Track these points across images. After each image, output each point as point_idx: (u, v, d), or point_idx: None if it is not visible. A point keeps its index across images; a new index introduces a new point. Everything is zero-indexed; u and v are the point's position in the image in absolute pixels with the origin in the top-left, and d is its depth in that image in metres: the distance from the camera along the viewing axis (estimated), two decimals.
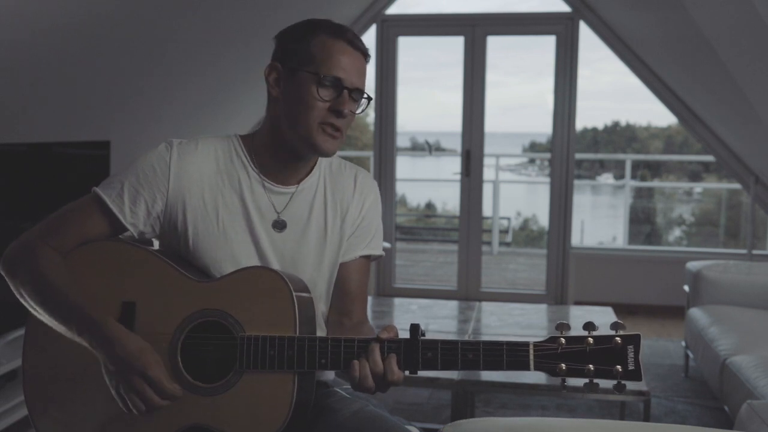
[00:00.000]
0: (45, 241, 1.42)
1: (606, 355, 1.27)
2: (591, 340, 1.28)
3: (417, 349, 1.31)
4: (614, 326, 1.28)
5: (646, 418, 2.60)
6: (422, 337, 1.32)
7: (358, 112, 1.47)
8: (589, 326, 1.28)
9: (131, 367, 1.32)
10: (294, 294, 1.36)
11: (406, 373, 1.33)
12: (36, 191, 3.04)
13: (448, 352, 1.30)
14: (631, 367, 1.26)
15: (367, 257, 1.60)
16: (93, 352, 1.35)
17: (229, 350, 1.36)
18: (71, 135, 3.36)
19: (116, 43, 3.11)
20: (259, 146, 1.51)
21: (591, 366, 1.27)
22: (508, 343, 1.29)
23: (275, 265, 1.49)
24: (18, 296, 1.42)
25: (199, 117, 4.43)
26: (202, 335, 1.39)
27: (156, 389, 1.32)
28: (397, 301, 4.00)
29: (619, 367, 1.26)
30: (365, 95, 1.48)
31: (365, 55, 1.47)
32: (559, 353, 1.28)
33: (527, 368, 1.28)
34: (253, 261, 1.48)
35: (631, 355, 1.26)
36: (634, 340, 1.27)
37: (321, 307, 1.55)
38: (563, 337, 1.28)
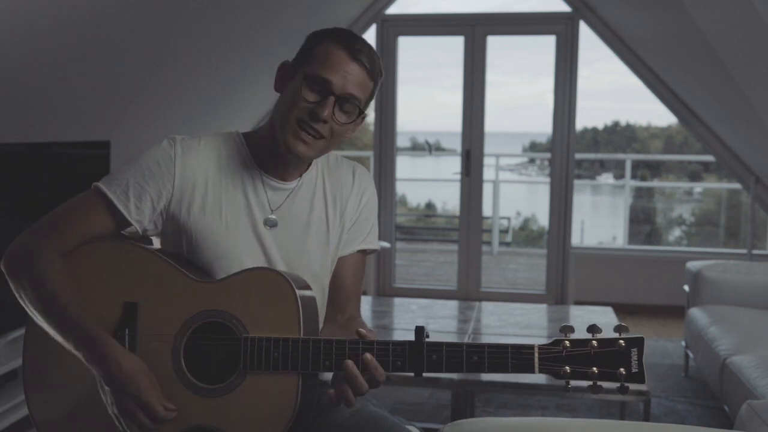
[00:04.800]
0: (47, 241, 1.40)
1: (610, 358, 1.28)
2: (595, 343, 1.29)
3: (422, 352, 1.32)
4: (618, 329, 1.29)
5: (646, 418, 2.60)
6: (427, 339, 1.32)
7: (343, 121, 1.43)
8: (593, 329, 1.29)
9: (125, 390, 1.30)
10: (297, 294, 1.36)
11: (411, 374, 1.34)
12: (36, 191, 3.04)
13: (453, 355, 1.31)
14: (634, 370, 1.27)
15: (363, 251, 1.61)
16: (89, 367, 1.33)
17: (232, 351, 1.36)
18: (71, 135, 3.36)
19: (116, 42, 3.11)
20: (260, 142, 1.51)
21: (595, 369, 1.28)
22: (513, 346, 1.30)
23: (279, 262, 1.49)
24: (18, 298, 1.40)
25: (199, 117, 4.43)
26: (206, 336, 1.38)
27: (149, 414, 1.31)
28: (397, 301, 4.00)
29: (622, 369, 1.28)
30: (359, 109, 1.44)
31: (367, 69, 1.43)
32: (564, 356, 1.29)
33: (532, 371, 1.29)
34: (257, 257, 1.48)
35: (634, 357, 1.28)
36: (638, 342, 1.28)
37: (324, 302, 1.56)
38: (567, 340, 1.29)
